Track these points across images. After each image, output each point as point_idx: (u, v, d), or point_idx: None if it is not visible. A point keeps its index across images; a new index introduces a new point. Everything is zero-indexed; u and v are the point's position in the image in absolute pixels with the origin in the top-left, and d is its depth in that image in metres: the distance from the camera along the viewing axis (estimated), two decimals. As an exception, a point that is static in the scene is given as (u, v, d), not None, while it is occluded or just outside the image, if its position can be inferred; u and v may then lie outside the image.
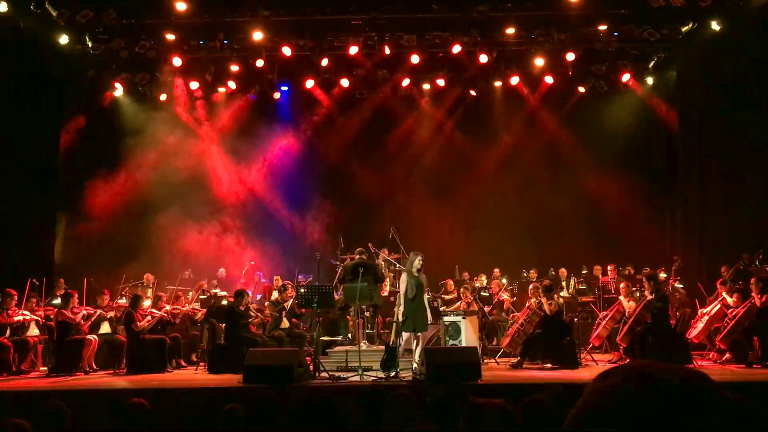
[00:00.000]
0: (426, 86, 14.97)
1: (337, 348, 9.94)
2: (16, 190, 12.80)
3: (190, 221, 14.22)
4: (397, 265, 12.03)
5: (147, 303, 10.74)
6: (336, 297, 10.09)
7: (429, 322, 9.16)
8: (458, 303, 11.30)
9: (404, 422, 3.59)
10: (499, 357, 10.51)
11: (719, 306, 10.19)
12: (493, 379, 8.31)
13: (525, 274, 13.24)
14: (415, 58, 13.57)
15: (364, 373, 8.36)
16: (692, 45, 13.03)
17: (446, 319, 10.06)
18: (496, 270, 13.41)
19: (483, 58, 13.47)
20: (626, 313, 9.91)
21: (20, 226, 12.74)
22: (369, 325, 10.33)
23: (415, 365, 8.45)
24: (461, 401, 2.96)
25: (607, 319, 10.27)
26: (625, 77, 14.14)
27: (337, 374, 8.31)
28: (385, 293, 11.45)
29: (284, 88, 15.07)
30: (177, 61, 13.41)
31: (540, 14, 12.66)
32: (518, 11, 12.50)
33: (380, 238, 12.08)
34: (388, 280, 11.88)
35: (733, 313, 9.70)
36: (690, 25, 12.69)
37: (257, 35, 12.72)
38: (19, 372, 9.57)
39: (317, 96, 15.11)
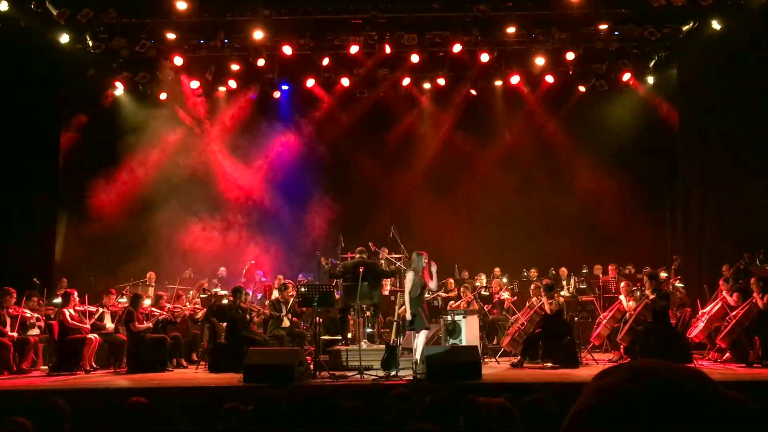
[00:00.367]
0: (426, 85, 14.96)
1: (338, 347, 9.94)
2: (17, 189, 12.80)
3: (191, 220, 14.24)
4: (398, 264, 12.03)
5: (147, 302, 10.74)
6: (336, 296, 10.10)
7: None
8: (458, 302, 11.31)
9: (404, 421, 3.59)
10: (499, 356, 10.52)
11: (720, 305, 10.19)
12: (494, 378, 8.32)
13: (525, 274, 13.24)
14: (415, 58, 13.57)
15: (365, 372, 8.37)
16: (693, 44, 13.02)
17: (447, 318, 10.06)
18: (497, 269, 13.41)
19: (483, 58, 13.46)
20: (627, 313, 9.91)
21: (21, 225, 12.75)
22: (369, 325, 10.34)
23: (416, 364, 8.46)
24: (462, 400, 2.97)
25: (607, 318, 10.28)
26: (626, 76, 14.13)
27: (337, 373, 8.31)
28: (386, 292, 11.46)
29: (285, 87, 15.07)
30: (178, 61, 13.41)
31: (540, 13, 12.65)
32: (519, 10, 12.50)
33: (381, 238, 12.09)
34: (388, 280, 11.89)
35: (734, 313, 9.70)
36: (691, 25, 12.68)
37: (258, 34, 12.72)
38: (20, 371, 9.58)
39: (318, 95, 15.11)
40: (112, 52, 13.16)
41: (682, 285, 12.11)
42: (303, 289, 9.41)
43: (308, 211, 14.96)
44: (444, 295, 12.05)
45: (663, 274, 11.64)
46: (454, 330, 10.01)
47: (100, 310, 10.50)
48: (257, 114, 15.19)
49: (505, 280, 12.95)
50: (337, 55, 13.81)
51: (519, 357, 9.75)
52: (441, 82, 14.59)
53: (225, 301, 10.87)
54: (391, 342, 9.01)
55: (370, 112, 15.20)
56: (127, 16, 12.45)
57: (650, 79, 14.42)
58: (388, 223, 11.87)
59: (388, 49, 13.28)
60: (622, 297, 10.19)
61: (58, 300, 10.73)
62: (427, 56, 13.61)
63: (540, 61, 13.64)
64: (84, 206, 13.72)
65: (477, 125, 15.21)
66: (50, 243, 13.41)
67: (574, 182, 14.58)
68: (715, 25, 12.17)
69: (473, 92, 15.01)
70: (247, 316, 10.25)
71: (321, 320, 10.08)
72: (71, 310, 9.93)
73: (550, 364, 9.58)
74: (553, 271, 13.31)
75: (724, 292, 10.24)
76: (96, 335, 10.01)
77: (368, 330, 10.30)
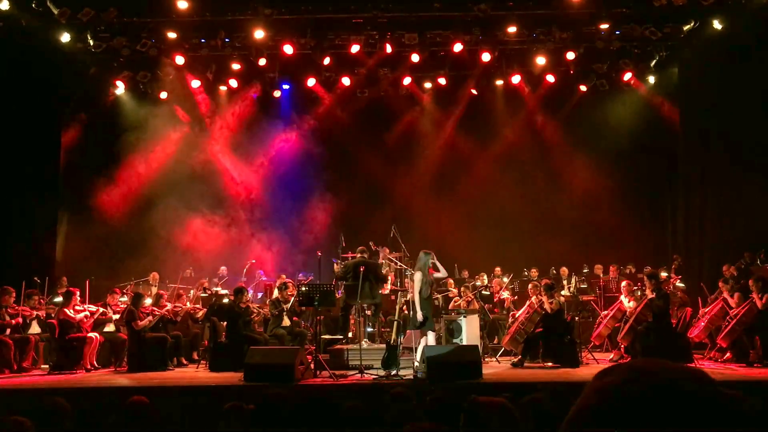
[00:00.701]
0: (427, 85, 14.96)
1: (338, 346, 9.94)
2: (18, 188, 12.82)
3: (191, 219, 14.25)
4: (398, 263, 12.04)
5: (148, 301, 10.75)
6: (337, 296, 10.10)
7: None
8: (459, 301, 11.32)
9: (404, 420, 3.59)
10: (500, 356, 10.52)
11: (720, 305, 10.19)
12: (494, 377, 8.31)
13: (526, 273, 13.24)
14: (416, 57, 13.56)
15: (365, 371, 8.37)
16: (694, 44, 13.01)
17: (447, 317, 10.06)
18: (497, 268, 13.41)
19: (484, 57, 13.46)
20: (627, 312, 9.91)
21: (22, 224, 12.76)
22: (370, 324, 10.34)
23: (416, 363, 8.47)
24: (462, 400, 2.97)
25: (608, 317, 10.28)
26: (627, 76, 14.13)
27: (337, 372, 8.31)
28: (386, 291, 11.46)
29: (286, 87, 15.06)
30: (180, 60, 13.41)
31: (541, 13, 12.65)
32: (519, 10, 12.49)
33: (381, 237, 12.10)
34: (389, 278, 11.90)
35: (734, 312, 9.70)
36: (692, 24, 12.67)
37: (258, 33, 12.72)
38: (20, 370, 9.59)
39: (319, 94, 15.11)
40: (113, 51, 13.16)
41: (682, 285, 12.11)
42: (303, 289, 9.40)
43: (309, 210, 14.97)
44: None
45: (663, 274, 11.65)
46: (454, 330, 10.01)
47: (101, 309, 10.51)
48: (258, 113, 15.20)
49: (505, 279, 12.95)
50: (337, 55, 13.81)
51: (519, 356, 9.74)
52: (442, 81, 14.59)
53: (225, 301, 10.87)
54: (392, 341, 9.01)
55: (370, 112, 15.20)
56: (128, 15, 12.45)
57: (651, 79, 14.42)
58: (388, 222, 11.88)
59: (388, 49, 13.27)
60: (622, 297, 10.19)
61: (58, 299, 10.74)
62: (428, 56, 13.61)
63: (541, 60, 13.64)
64: (85, 205, 13.74)
65: (478, 125, 15.20)
66: (51, 242, 13.42)
67: (575, 182, 14.57)
68: (716, 24, 12.17)
69: (474, 92, 15.01)
70: (248, 316, 10.25)
71: (321, 319, 10.09)
72: (71, 310, 9.94)
73: (550, 364, 9.58)
74: (554, 271, 13.32)
75: (724, 292, 10.24)
76: (97, 334, 10.01)
77: (369, 329, 10.30)
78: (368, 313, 10.18)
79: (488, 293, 12.10)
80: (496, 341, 11.28)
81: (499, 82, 14.69)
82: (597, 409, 0.89)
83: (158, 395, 6.42)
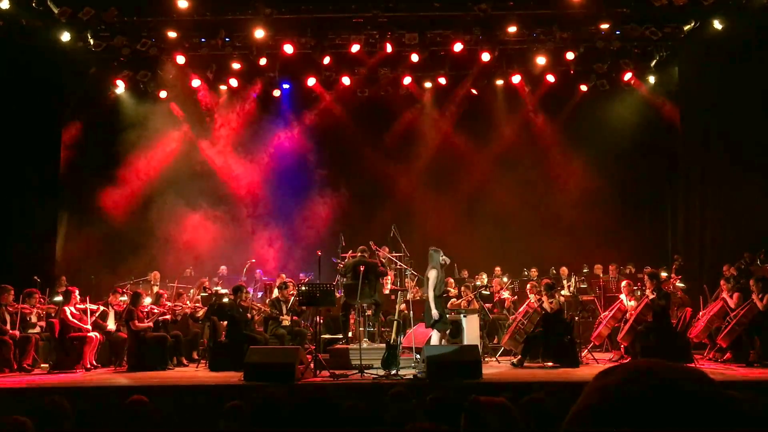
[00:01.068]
0: (427, 84, 14.95)
1: (338, 346, 9.94)
2: (18, 188, 12.82)
3: (192, 219, 14.25)
4: (399, 263, 12.03)
5: (148, 300, 10.75)
6: (337, 295, 10.10)
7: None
8: (459, 301, 11.31)
9: (404, 420, 3.59)
10: (499, 355, 10.52)
11: (720, 305, 10.19)
12: (494, 377, 8.32)
13: (526, 273, 13.23)
14: (416, 57, 13.56)
15: (365, 371, 8.37)
16: (694, 44, 13.01)
17: (447, 317, 10.03)
18: (497, 268, 13.41)
19: (484, 57, 13.45)
20: (627, 312, 9.91)
21: (22, 223, 12.76)
22: (370, 324, 10.34)
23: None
24: (462, 400, 2.97)
25: (608, 317, 10.27)
26: (627, 76, 14.12)
27: (337, 372, 8.31)
28: (386, 291, 11.46)
29: (286, 86, 15.06)
30: (180, 59, 13.41)
31: (542, 13, 12.65)
32: (520, 9, 12.49)
33: (381, 237, 12.09)
34: (389, 278, 11.90)
35: (734, 313, 9.70)
36: (692, 24, 12.67)
37: (259, 33, 12.72)
38: (21, 369, 9.59)
39: (319, 94, 15.11)
40: (113, 51, 13.16)
41: (682, 285, 12.11)
42: (304, 288, 9.40)
43: (309, 210, 14.98)
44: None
45: (663, 274, 11.64)
46: (454, 329, 10.01)
47: (101, 308, 10.51)
48: (258, 112, 15.20)
49: (505, 279, 12.95)
50: (338, 54, 13.80)
51: (519, 356, 9.75)
52: (442, 81, 14.58)
53: (226, 300, 10.87)
54: (392, 341, 9.02)
55: (370, 112, 15.20)
56: (128, 14, 12.45)
57: (651, 79, 14.41)
58: (388, 221, 11.87)
59: (389, 48, 13.27)
60: (623, 296, 10.19)
61: (59, 298, 10.74)
62: (428, 55, 13.60)
63: (541, 60, 13.63)
64: (85, 204, 13.75)
65: (478, 124, 15.20)
66: (51, 241, 13.43)
67: (575, 181, 14.57)
68: (717, 24, 12.16)
69: (474, 91, 15.00)
70: (248, 315, 10.25)
71: (322, 319, 10.09)
72: (72, 309, 9.95)
73: (550, 364, 9.58)
74: (554, 271, 13.32)
75: (724, 292, 10.24)
76: (97, 333, 10.02)
77: (369, 329, 10.30)
78: (368, 313, 10.18)
79: (488, 293, 12.09)
80: (496, 341, 11.27)
81: (500, 82, 14.69)
82: (597, 409, 0.89)
83: (158, 395, 6.42)
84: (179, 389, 7.79)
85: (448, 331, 9.32)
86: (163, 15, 12.54)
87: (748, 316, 9.48)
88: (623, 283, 10.52)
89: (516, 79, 14.32)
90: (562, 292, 11.93)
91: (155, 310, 10.27)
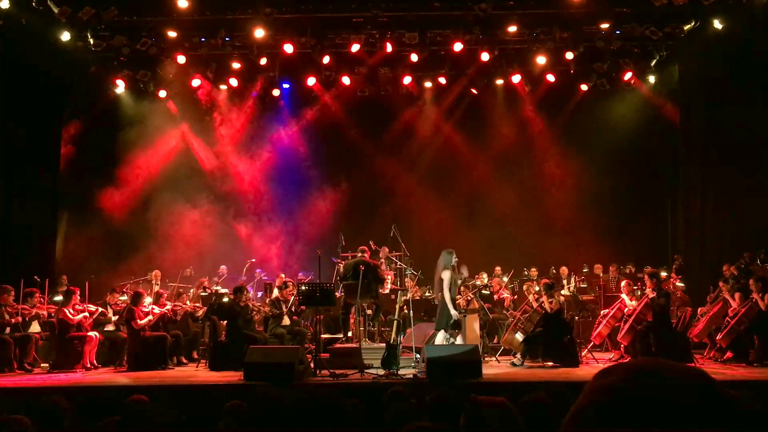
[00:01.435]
0: (427, 84, 14.94)
1: (338, 345, 9.94)
2: (18, 187, 12.83)
3: (192, 219, 14.26)
4: (399, 262, 12.04)
5: (148, 300, 10.75)
6: (337, 295, 10.10)
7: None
8: (459, 300, 11.30)
9: (404, 420, 3.59)
10: (499, 355, 10.52)
11: (720, 304, 10.19)
12: (494, 377, 8.32)
13: (526, 272, 13.23)
14: (416, 56, 13.55)
15: (365, 370, 8.37)
16: (694, 43, 13.00)
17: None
18: (498, 268, 13.40)
19: (484, 56, 13.45)
20: (626, 312, 9.90)
21: (22, 223, 12.76)
22: (371, 323, 10.34)
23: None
24: (462, 399, 2.97)
25: (608, 317, 10.27)
26: (627, 76, 14.11)
27: (337, 372, 8.31)
28: (386, 291, 11.46)
29: (286, 86, 15.06)
30: (181, 59, 13.41)
31: (542, 12, 12.64)
32: (520, 9, 12.48)
33: (382, 236, 12.11)
34: (389, 278, 11.90)
35: (734, 312, 9.70)
36: (692, 24, 12.66)
37: (259, 32, 12.72)
38: (21, 368, 9.59)
39: (318, 93, 15.10)
40: (113, 50, 13.15)
41: (682, 284, 12.10)
42: (304, 288, 9.41)
43: (309, 209, 14.99)
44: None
45: (663, 274, 11.64)
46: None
47: (100, 309, 10.51)
48: (258, 112, 15.20)
49: (505, 278, 12.95)
50: (338, 54, 13.79)
51: (519, 356, 9.75)
52: (442, 80, 14.57)
53: (226, 300, 10.88)
54: (392, 341, 9.02)
55: (370, 111, 15.19)
56: (128, 14, 12.44)
57: (651, 79, 14.40)
58: (388, 221, 11.88)
59: (389, 48, 13.26)
60: (624, 296, 10.18)
61: (59, 298, 10.74)
62: (428, 55, 13.59)
63: (541, 60, 13.62)
64: (85, 204, 13.75)
65: (478, 124, 15.19)
66: (51, 241, 13.43)
67: (575, 181, 14.56)
68: (717, 24, 12.15)
69: (474, 91, 14.99)
70: (248, 314, 10.25)
71: (321, 318, 10.09)
72: (71, 309, 9.94)
73: (550, 363, 9.57)
74: (554, 270, 13.31)
75: (724, 292, 10.24)
76: (96, 333, 10.02)
77: (369, 329, 10.30)
78: (368, 312, 10.18)
79: (488, 293, 12.09)
80: (495, 341, 11.28)
81: (500, 82, 14.68)
82: (597, 408, 0.89)
83: (158, 394, 6.43)
84: (179, 389, 7.79)
85: (458, 331, 9.29)
86: (163, 14, 12.54)
87: (748, 315, 9.48)
88: (623, 283, 10.51)
89: (516, 78, 14.30)
90: (562, 292, 11.93)
91: (155, 310, 10.27)
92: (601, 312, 10.73)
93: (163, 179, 14.40)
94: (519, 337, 10.06)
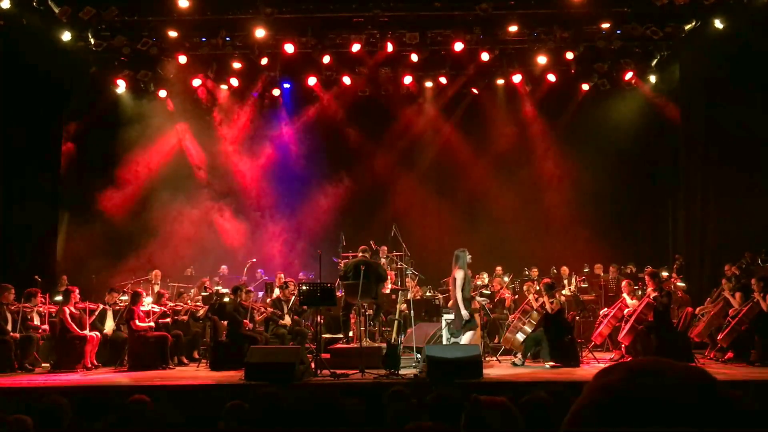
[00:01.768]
0: (428, 84, 14.94)
1: (339, 345, 9.94)
2: (18, 187, 12.83)
3: (192, 218, 14.27)
4: (400, 263, 12.04)
5: (149, 299, 10.75)
6: (338, 295, 10.10)
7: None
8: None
9: (405, 419, 3.59)
10: (500, 355, 10.51)
11: (721, 304, 10.18)
12: (495, 377, 8.32)
13: (527, 272, 13.23)
14: (416, 56, 13.54)
15: (366, 370, 8.37)
16: (695, 43, 12.99)
17: (448, 317, 10.05)
18: (498, 268, 13.40)
19: (485, 56, 13.44)
20: (627, 312, 9.90)
21: (23, 223, 12.77)
22: (371, 323, 10.34)
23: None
24: (463, 399, 2.97)
25: (609, 317, 10.26)
26: (628, 75, 14.10)
27: (338, 372, 8.31)
28: (387, 290, 11.45)
29: (286, 86, 15.07)
30: (182, 59, 13.42)
31: (542, 12, 12.63)
32: (520, 9, 12.47)
33: (382, 235, 12.11)
34: (390, 277, 11.90)
35: (735, 312, 9.70)
36: (693, 23, 12.65)
37: (259, 32, 12.72)
38: (22, 368, 9.59)
39: (319, 93, 15.11)
40: (113, 50, 13.15)
41: (683, 284, 12.10)
42: (305, 288, 9.41)
43: (309, 209, 14.99)
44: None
45: (664, 274, 11.64)
46: (455, 329, 9.99)
47: (101, 308, 10.52)
48: (259, 112, 15.21)
49: (506, 278, 12.95)
50: (338, 54, 13.79)
51: (520, 356, 9.75)
52: (443, 80, 14.57)
53: (226, 299, 10.88)
54: (393, 341, 9.01)
55: (371, 111, 15.19)
56: (128, 14, 12.45)
57: (652, 78, 14.39)
58: (389, 221, 11.88)
59: (389, 48, 13.26)
60: (625, 296, 10.17)
61: (59, 297, 10.74)
62: (429, 55, 13.59)
63: (542, 59, 13.62)
64: (85, 203, 13.76)
65: (478, 124, 15.19)
66: (52, 240, 13.43)
67: (576, 181, 14.56)
68: (718, 24, 12.14)
69: (475, 91, 15.00)
70: (249, 315, 10.25)
71: (322, 318, 10.09)
72: (71, 309, 9.95)
73: (551, 363, 9.57)
74: (555, 270, 13.31)
75: (725, 292, 10.23)
76: (96, 333, 10.03)
77: (370, 328, 10.30)
78: (369, 312, 10.17)
79: (489, 292, 12.10)
80: (496, 340, 11.28)
81: (500, 82, 14.67)
82: (597, 408, 0.89)
83: (159, 394, 6.43)
84: (180, 389, 7.79)
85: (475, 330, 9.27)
86: (164, 14, 12.54)
87: (749, 315, 9.47)
88: (623, 283, 10.50)
89: (517, 78, 14.29)
90: (563, 292, 11.93)
91: (156, 310, 10.28)
92: (602, 312, 10.73)
93: (164, 179, 14.40)
94: (520, 337, 10.07)
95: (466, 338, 9.01)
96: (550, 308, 9.84)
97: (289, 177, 15.22)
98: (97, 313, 10.40)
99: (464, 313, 8.78)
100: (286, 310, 10.93)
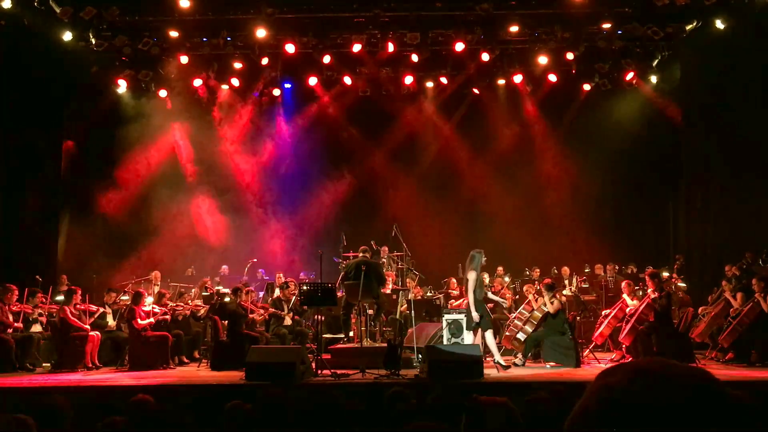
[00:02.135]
0: (429, 84, 14.94)
1: (340, 345, 9.94)
2: (19, 187, 12.84)
3: (192, 218, 14.28)
4: (400, 263, 12.04)
5: (150, 300, 10.76)
6: (339, 295, 10.09)
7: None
8: (461, 301, 11.31)
9: (405, 419, 3.59)
10: (501, 355, 10.48)
11: (722, 305, 10.18)
12: (495, 377, 8.32)
13: (528, 273, 13.23)
14: (417, 56, 13.54)
15: (366, 370, 8.37)
16: (696, 43, 12.98)
17: (448, 317, 10.06)
18: (500, 268, 13.40)
19: (486, 56, 13.44)
20: (628, 312, 9.90)
21: (24, 223, 12.78)
22: (372, 323, 10.34)
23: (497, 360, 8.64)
24: (463, 399, 2.97)
25: (609, 317, 10.26)
26: (629, 75, 14.10)
27: (339, 372, 8.31)
28: (388, 291, 11.45)
29: (287, 86, 15.07)
30: (184, 59, 13.43)
31: (543, 12, 12.62)
32: (521, 9, 12.47)
33: (382, 236, 12.11)
34: (390, 278, 11.90)
35: (736, 312, 9.69)
36: (694, 24, 12.64)
37: (260, 32, 12.72)
38: (22, 368, 9.60)
39: (320, 93, 15.11)
40: (114, 50, 13.15)
41: (684, 285, 12.10)
42: (305, 288, 9.41)
43: (310, 209, 15.00)
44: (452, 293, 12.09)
45: (665, 274, 11.64)
46: (456, 329, 10.01)
47: (101, 311, 10.53)
48: (259, 112, 15.21)
49: (507, 279, 12.94)
50: (339, 54, 13.79)
51: (520, 356, 9.75)
52: (443, 80, 14.57)
53: (227, 299, 10.89)
54: (393, 341, 9.01)
55: (371, 111, 15.19)
56: (130, 14, 12.45)
57: (653, 79, 14.37)
58: (390, 221, 11.87)
59: (390, 48, 13.25)
60: (625, 296, 10.17)
61: (60, 297, 10.75)
62: (430, 55, 13.58)
63: (543, 60, 13.61)
64: (86, 204, 13.76)
65: (479, 124, 15.19)
66: (53, 240, 13.43)
67: (577, 181, 14.56)
68: (719, 24, 12.13)
69: (476, 91, 15.00)
70: (250, 315, 10.26)
71: (323, 318, 10.09)
72: (72, 309, 9.95)
73: (551, 364, 9.57)
74: (555, 271, 13.31)
75: (726, 292, 10.23)
76: (97, 333, 10.03)
77: (371, 328, 10.30)
78: (370, 312, 10.17)
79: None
80: (497, 341, 11.25)
81: (501, 82, 14.67)
82: (600, 408, 0.89)
83: (159, 394, 6.42)
84: (181, 388, 7.79)
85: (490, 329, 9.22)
86: (165, 14, 12.53)
87: (750, 316, 9.46)
88: (623, 284, 10.50)
89: (517, 78, 14.28)
90: (564, 292, 11.93)
91: (156, 310, 10.28)
92: (603, 312, 10.73)
93: (165, 179, 14.41)
94: (520, 337, 10.06)
95: (488, 337, 8.95)
96: (551, 309, 9.84)
97: (290, 176, 15.23)
98: (96, 315, 10.40)
99: (474, 315, 8.74)
100: (286, 310, 10.93)
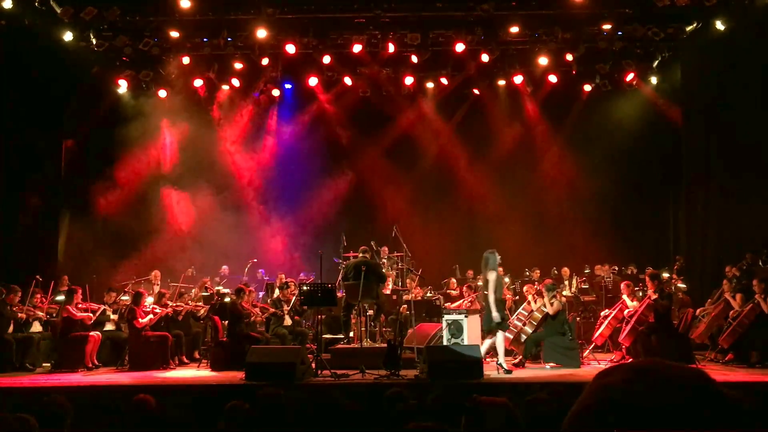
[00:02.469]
0: (429, 84, 14.95)
1: (340, 346, 9.94)
2: (20, 187, 12.84)
3: (193, 218, 14.27)
4: (401, 263, 12.04)
5: (150, 299, 10.76)
6: (339, 295, 10.10)
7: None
8: (461, 301, 11.31)
9: (405, 419, 3.59)
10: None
11: (722, 306, 10.17)
12: (495, 378, 8.32)
13: (528, 273, 13.23)
14: (417, 57, 13.54)
15: (366, 371, 8.37)
16: (697, 44, 12.99)
17: (448, 317, 10.06)
18: (500, 268, 13.38)
19: (486, 57, 13.44)
20: (627, 313, 9.90)
21: (24, 223, 12.78)
22: (372, 324, 10.34)
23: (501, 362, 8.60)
24: (463, 399, 2.97)
25: (609, 318, 10.26)
26: (629, 77, 14.11)
27: (339, 372, 8.31)
28: (388, 291, 11.45)
29: (288, 86, 15.08)
30: (185, 59, 13.43)
31: (544, 13, 12.62)
32: (522, 10, 12.47)
33: (382, 236, 12.11)
34: (390, 279, 11.90)
35: (736, 313, 9.69)
36: (694, 25, 12.65)
37: (261, 33, 12.72)
38: (22, 368, 9.60)
39: (320, 94, 15.11)
40: (115, 50, 13.17)
41: (684, 285, 12.09)
42: (305, 288, 9.41)
43: (310, 209, 15.00)
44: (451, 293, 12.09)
45: (665, 275, 11.63)
46: (456, 329, 10.01)
47: (102, 308, 10.53)
48: (260, 112, 15.22)
49: (507, 279, 12.93)
50: (339, 54, 13.80)
51: (520, 356, 9.75)
52: (444, 81, 14.58)
53: (227, 300, 10.89)
54: (393, 341, 9.00)
55: (372, 111, 15.20)
56: (130, 14, 12.46)
57: (654, 79, 14.39)
58: (390, 221, 11.87)
59: (391, 48, 13.26)
60: (625, 297, 10.17)
61: (60, 297, 10.75)
62: (430, 55, 13.58)
63: (543, 60, 13.61)
64: (87, 204, 13.76)
65: (480, 124, 15.20)
66: (52, 240, 13.44)
67: (577, 182, 14.56)
68: (719, 25, 12.13)
69: (476, 92, 15.00)
70: (250, 315, 10.26)
71: (323, 319, 10.09)
72: (74, 308, 9.96)
73: (551, 364, 9.57)
74: (555, 271, 13.30)
75: (726, 293, 10.23)
76: (97, 332, 10.03)
77: (371, 329, 10.30)
78: (370, 313, 10.17)
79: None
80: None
81: (501, 82, 14.68)
82: (598, 409, 0.90)
83: (159, 394, 6.42)
84: (181, 388, 7.79)
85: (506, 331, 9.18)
86: (166, 14, 12.54)
87: (750, 316, 9.46)
88: (623, 285, 10.50)
89: (518, 79, 14.29)
90: (564, 293, 11.93)
91: (157, 310, 10.28)
92: (603, 313, 10.72)
93: (165, 179, 14.42)
94: (521, 337, 10.06)
95: (499, 337, 8.90)
96: (550, 309, 9.84)
97: (291, 175, 15.24)
98: (97, 315, 10.40)
99: (495, 315, 8.66)
100: (286, 310, 10.93)
